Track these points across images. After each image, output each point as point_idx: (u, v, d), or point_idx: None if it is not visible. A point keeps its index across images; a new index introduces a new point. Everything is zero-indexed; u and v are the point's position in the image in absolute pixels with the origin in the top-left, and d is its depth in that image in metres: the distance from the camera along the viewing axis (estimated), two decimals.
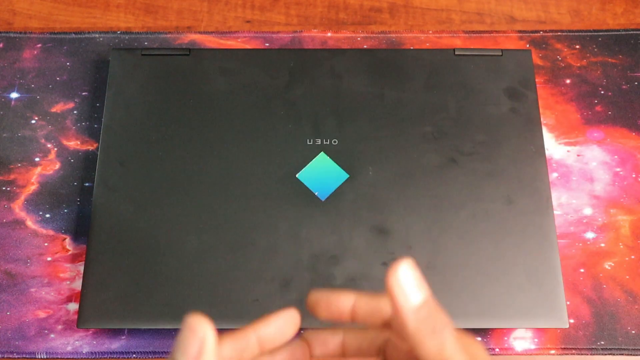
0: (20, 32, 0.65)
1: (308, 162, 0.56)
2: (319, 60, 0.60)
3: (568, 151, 0.61)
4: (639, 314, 0.54)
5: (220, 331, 0.54)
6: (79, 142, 0.60)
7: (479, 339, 0.53)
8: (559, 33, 0.66)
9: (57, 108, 0.62)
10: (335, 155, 0.56)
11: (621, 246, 0.57)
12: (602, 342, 0.53)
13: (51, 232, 0.57)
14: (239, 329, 0.34)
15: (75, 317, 0.53)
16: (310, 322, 0.50)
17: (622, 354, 0.53)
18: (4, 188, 0.58)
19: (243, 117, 0.57)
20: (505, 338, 0.54)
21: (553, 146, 0.61)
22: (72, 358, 0.52)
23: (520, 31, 0.66)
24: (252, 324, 0.35)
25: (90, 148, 0.60)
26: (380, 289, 0.37)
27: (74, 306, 0.54)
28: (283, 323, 0.35)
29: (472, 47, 0.64)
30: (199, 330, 0.30)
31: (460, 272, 0.52)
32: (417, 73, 0.59)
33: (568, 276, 0.55)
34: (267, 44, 0.65)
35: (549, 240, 0.53)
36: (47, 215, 0.57)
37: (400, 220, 0.53)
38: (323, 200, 0.54)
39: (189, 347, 0.30)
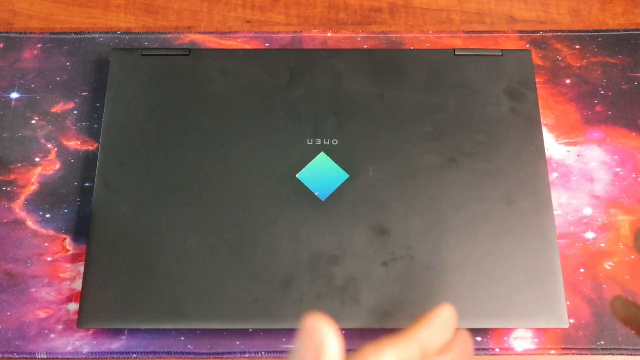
0: (21, 32, 0.65)
1: (308, 162, 0.56)
2: (319, 60, 0.60)
3: (568, 151, 0.61)
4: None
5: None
6: (79, 142, 0.60)
7: (479, 338, 0.53)
8: (559, 33, 0.66)
9: (57, 108, 0.62)
10: (335, 155, 0.56)
11: (621, 246, 0.57)
12: (602, 342, 0.53)
13: (51, 232, 0.57)
14: (397, 334, 0.30)
15: (75, 317, 0.53)
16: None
17: (622, 354, 0.53)
18: (4, 188, 0.58)
19: (243, 117, 0.57)
20: (505, 338, 0.54)
21: (553, 146, 0.61)
22: (72, 358, 0.53)
23: (520, 31, 0.66)
24: (410, 327, 0.30)
25: (90, 148, 0.60)
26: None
27: (74, 306, 0.54)
28: (443, 323, 0.31)
29: (472, 47, 0.64)
30: (317, 334, 0.26)
31: (460, 272, 0.52)
32: (417, 73, 0.59)
33: (568, 276, 0.55)
34: (267, 44, 0.65)
35: (549, 240, 0.53)
36: (47, 215, 0.57)
37: (400, 220, 0.53)
38: (323, 200, 0.54)
39: (305, 352, 0.26)
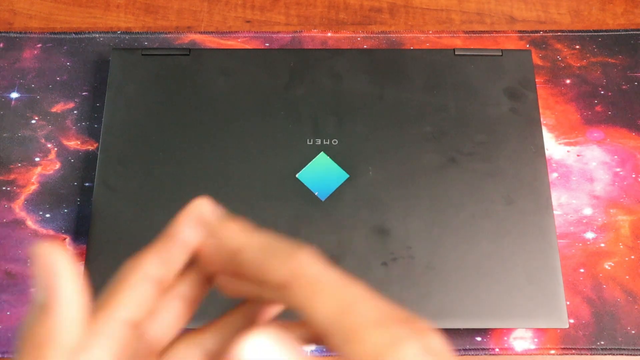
0: (21, 32, 0.65)
1: (308, 162, 0.56)
2: (319, 60, 0.60)
3: (568, 151, 0.61)
4: (639, 314, 0.54)
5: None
6: (79, 142, 0.60)
7: (479, 338, 0.53)
8: (559, 33, 0.66)
9: (57, 108, 0.62)
10: (335, 155, 0.56)
11: (621, 246, 0.57)
12: (602, 342, 0.53)
13: (51, 232, 0.57)
14: (155, 243, 0.30)
15: None
16: None
17: (622, 354, 0.53)
18: (4, 188, 0.58)
19: (243, 117, 0.57)
20: (505, 338, 0.54)
21: (553, 146, 0.61)
22: None
23: (520, 31, 0.66)
24: (168, 231, 0.30)
25: (90, 148, 0.60)
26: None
27: None
28: (198, 218, 0.31)
29: (472, 47, 0.64)
30: (47, 259, 0.27)
31: (460, 272, 0.52)
32: (417, 73, 0.59)
33: (568, 276, 0.55)
34: (267, 44, 0.65)
35: (549, 240, 0.53)
36: (47, 215, 0.57)
37: (400, 220, 0.53)
38: (323, 200, 0.54)
39: (39, 278, 0.26)
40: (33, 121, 0.61)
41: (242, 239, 0.28)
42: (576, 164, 0.60)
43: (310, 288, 0.25)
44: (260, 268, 0.26)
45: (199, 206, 0.31)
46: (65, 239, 0.57)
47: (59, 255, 0.27)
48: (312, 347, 0.53)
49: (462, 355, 0.53)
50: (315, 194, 0.54)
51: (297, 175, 0.55)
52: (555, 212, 0.57)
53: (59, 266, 0.27)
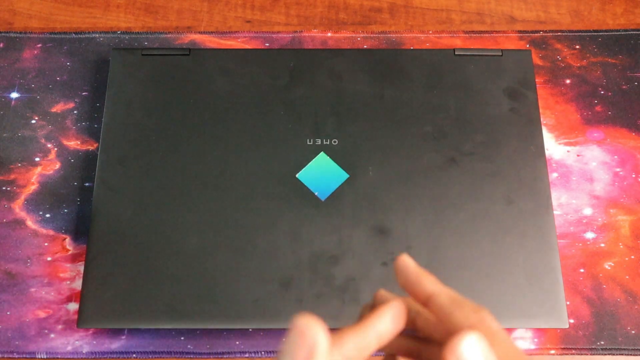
0: (21, 32, 0.65)
1: (308, 162, 0.56)
2: (319, 60, 0.60)
3: (568, 151, 0.61)
4: (639, 314, 0.54)
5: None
6: (79, 142, 0.60)
7: None
8: (559, 33, 0.66)
9: (57, 108, 0.62)
10: (335, 155, 0.56)
11: (621, 246, 0.57)
12: (602, 342, 0.53)
13: (51, 232, 0.57)
14: (354, 326, 0.33)
15: (75, 317, 0.53)
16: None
17: (622, 354, 0.53)
18: (4, 188, 0.58)
19: (243, 117, 0.57)
20: None
21: (553, 146, 0.61)
22: (72, 358, 0.53)
23: (520, 31, 0.66)
24: (367, 320, 0.33)
25: (90, 148, 0.60)
26: (379, 289, 0.38)
27: (74, 306, 0.54)
28: (395, 317, 0.33)
29: (472, 47, 0.64)
30: (309, 334, 0.28)
31: (460, 272, 0.52)
32: (417, 73, 0.59)
33: (568, 276, 0.55)
34: (267, 44, 0.65)
35: (549, 240, 0.53)
36: (47, 215, 0.57)
37: (400, 220, 0.53)
38: (323, 200, 0.54)
39: (297, 352, 0.28)
40: (33, 121, 0.61)
41: (437, 287, 0.33)
42: (576, 164, 0.60)
43: (493, 337, 0.31)
44: (451, 312, 0.32)
45: (405, 261, 0.34)
46: (65, 239, 0.57)
47: (322, 337, 0.28)
48: None
49: None
50: (315, 194, 0.54)
51: (297, 175, 0.55)
52: (555, 212, 0.57)
53: (319, 350, 0.28)
